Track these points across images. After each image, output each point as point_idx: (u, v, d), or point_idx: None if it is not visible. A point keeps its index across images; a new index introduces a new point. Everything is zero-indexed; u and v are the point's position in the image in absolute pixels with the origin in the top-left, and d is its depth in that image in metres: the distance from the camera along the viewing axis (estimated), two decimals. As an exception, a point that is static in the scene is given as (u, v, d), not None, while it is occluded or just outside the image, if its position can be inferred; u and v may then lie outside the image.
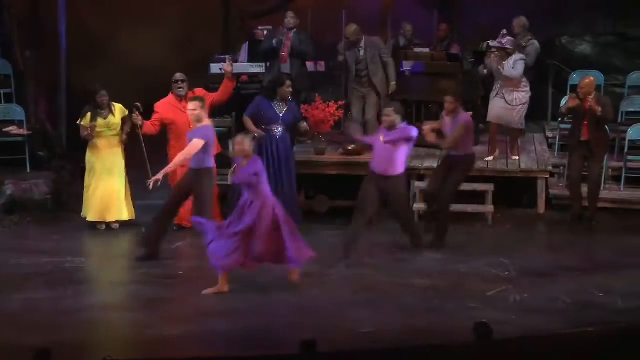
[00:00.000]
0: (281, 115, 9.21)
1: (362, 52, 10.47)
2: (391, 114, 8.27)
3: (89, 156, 9.49)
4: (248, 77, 11.38)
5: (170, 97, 9.31)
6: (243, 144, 7.63)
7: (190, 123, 9.16)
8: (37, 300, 7.54)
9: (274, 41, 10.51)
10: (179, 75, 9.32)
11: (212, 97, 9.36)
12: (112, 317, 7.30)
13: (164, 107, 9.27)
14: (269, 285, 7.86)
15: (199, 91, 9.37)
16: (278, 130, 9.22)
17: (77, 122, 9.46)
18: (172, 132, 9.34)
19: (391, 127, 8.30)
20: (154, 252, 8.43)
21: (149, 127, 9.29)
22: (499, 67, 10.22)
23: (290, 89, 9.22)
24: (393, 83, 10.55)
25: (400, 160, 8.37)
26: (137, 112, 9.23)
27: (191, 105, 8.40)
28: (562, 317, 7.28)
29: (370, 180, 8.46)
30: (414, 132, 8.41)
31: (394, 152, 8.31)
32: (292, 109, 9.29)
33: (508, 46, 10.40)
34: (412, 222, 8.92)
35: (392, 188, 8.40)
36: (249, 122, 9.33)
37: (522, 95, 10.36)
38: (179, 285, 8.01)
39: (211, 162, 8.32)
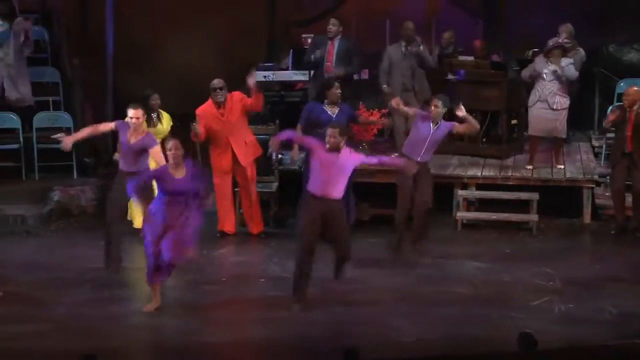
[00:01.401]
0: (334, 116, 9.19)
1: (409, 49, 10.48)
2: (336, 136, 7.48)
3: None
4: (303, 84, 11.37)
5: (209, 104, 9.39)
6: (180, 148, 7.42)
7: (227, 131, 9.22)
8: (83, 305, 7.63)
9: (312, 57, 10.47)
10: (216, 82, 9.35)
11: (248, 101, 9.38)
12: (156, 323, 7.36)
13: (205, 115, 9.35)
14: (312, 293, 7.87)
15: (237, 94, 9.41)
16: None
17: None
18: (212, 139, 9.41)
19: (335, 149, 7.49)
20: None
21: (201, 135, 9.36)
22: (556, 67, 10.09)
23: (339, 91, 9.20)
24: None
25: (345, 181, 7.58)
26: (196, 122, 9.28)
27: (136, 113, 8.15)
28: (608, 328, 7.19)
29: (311, 206, 7.51)
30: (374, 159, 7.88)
31: (344, 173, 7.53)
32: (344, 110, 9.27)
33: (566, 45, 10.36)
34: (349, 250, 7.72)
35: (335, 212, 7.52)
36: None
37: (563, 100, 10.26)
38: (222, 292, 8.05)
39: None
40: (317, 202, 7.48)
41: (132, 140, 8.21)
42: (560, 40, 10.46)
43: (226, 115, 9.30)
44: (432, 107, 8.64)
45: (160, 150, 8.12)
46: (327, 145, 7.52)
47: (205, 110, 9.36)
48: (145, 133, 8.32)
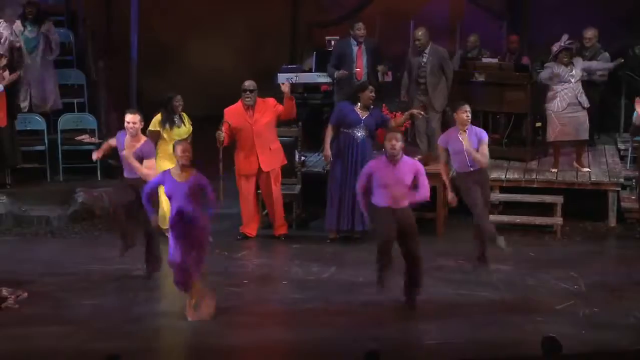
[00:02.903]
0: (363, 118, 9.18)
1: (424, 59, 10.39)
2: (399, 139, 7.29)
3: (160, 162, 9.49)
4: (329, 86, 11.35)
5: (239, 105, 9.37)
6: (189, 151, 7.30)
7: (254, 134, 9.21)
8: (107, 306, 7.68)
9: (335, 74, 10.33)
10: (247, 84, 9.28)
11: (280, 109, 9.35)
12: (179, 325, 7.37)
13: (232, 115, 9.34)
14: (334, 296, 7.86)
15: (271, 100, 9.38)
16: (359, 133, 9.18)
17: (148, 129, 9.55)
18: (238, 141, 9.40)
19: (398, 156, 7.30)
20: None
21: (225, 141, 9.34)
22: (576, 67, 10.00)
23: (373, 94, 9.19)
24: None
25: (409, 188, 7.44)
26: (221, 129, 9.27)
27: (134, 118, 8.09)
28: (633, 332, 7.13)
29: (385, 215, 7.39)
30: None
31: (406, 183, 7.37)
32: (373, 115, 9.26)
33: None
34: (422, 263, 7.62)
35: (406, 220, 7.42)
36: (327, 134, 9.33)
37: (586, 98, 10.19)
38: (244, 294, 8.06)
39: None
40: (387, 210, 7.36)
41: (131, 148, 8.13)
42: (562, 44, 10.28)
43: (255, 118, 9.27)
44: (463, 115, 8.29)
45: (154, 164, 8.12)
46: (391, 152, 7.26)
47: (233, 110, 9.34)
48: (145, 141, 8.24)
